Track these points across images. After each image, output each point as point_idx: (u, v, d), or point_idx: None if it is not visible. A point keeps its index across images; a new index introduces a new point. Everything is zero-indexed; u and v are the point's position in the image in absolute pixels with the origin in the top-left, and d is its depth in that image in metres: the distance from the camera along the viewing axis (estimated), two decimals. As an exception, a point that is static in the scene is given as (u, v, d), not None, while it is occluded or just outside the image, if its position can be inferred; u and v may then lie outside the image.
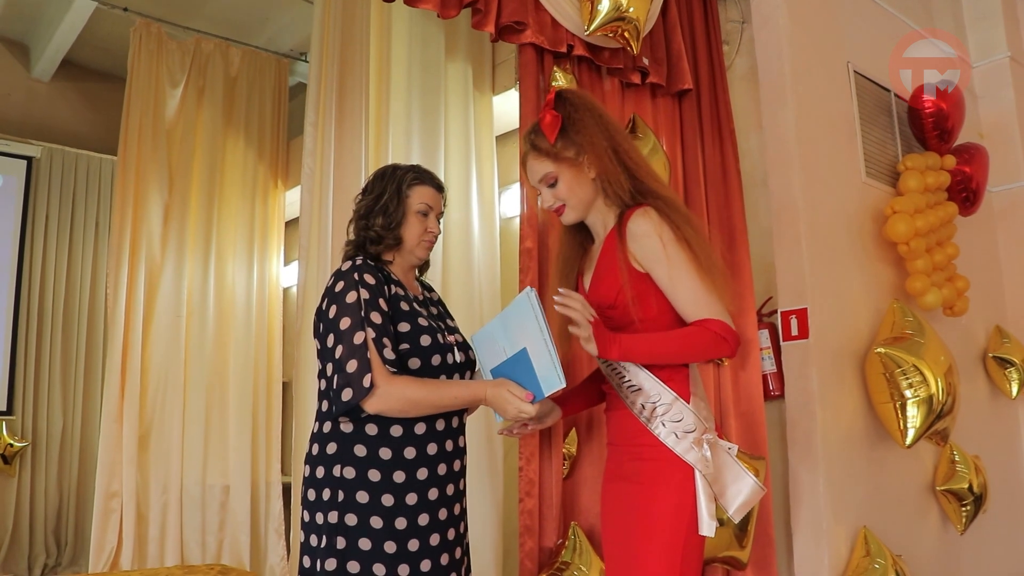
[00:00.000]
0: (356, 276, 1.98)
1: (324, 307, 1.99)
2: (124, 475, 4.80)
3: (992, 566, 4.18)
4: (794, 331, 3.24)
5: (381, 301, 1.97)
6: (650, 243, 1.90)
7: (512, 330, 1.93)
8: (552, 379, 1.84)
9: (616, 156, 2.00)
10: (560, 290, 1.86)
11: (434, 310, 2.22)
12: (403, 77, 3.81)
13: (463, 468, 2.12)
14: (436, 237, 2.17)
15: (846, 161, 3.70)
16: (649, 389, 1.94)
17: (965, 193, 4.15)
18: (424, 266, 2.27)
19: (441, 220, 2.22)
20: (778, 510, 3.24)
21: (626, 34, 2.83)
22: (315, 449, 2.00)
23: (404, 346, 1.98)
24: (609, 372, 2.04)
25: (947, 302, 3.88)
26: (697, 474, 1.88)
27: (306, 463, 2.02)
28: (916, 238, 3.62)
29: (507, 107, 4.12)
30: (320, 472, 1.96)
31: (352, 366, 1.88)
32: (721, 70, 3.48)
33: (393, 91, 3.76)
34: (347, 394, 1.87)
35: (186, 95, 5.53)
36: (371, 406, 1.89)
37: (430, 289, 2.32)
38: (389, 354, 1.92)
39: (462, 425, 2.14)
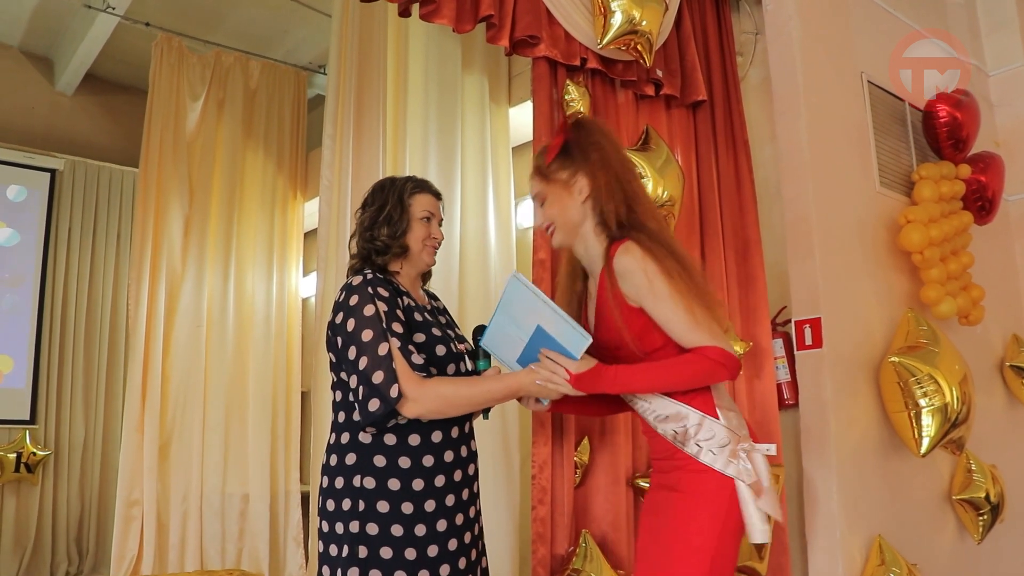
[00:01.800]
0: (371, 290, 2.02)
1: (340, 321, 2.02)
2: (145, 484, 4.86)
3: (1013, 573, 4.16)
4: (808, 340, 3.26)
5: (398, 312, 2.02)
6: (635, 279, 1.93)
7: (518, 316, 1.97)
8: (576, 338, 1.89)
9: (614, 182, 2.03)
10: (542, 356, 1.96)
11: (443, 319, 2.28)
12: (420, 89, 3.87)
13: (476, 472, 2.17)
14: (439, 242, 2.23)
15: (860, 171, 3.72)
16: (675, 414, 1.97)
17: (980, 202, 4.14)
18: (426, 275, 2.32)
19: (441, 226, 2.27)
20: (793, 519, 3.25)
21: (639, 47, 2.87)
22: (333, 460, 2.04)
23: (417, 360, 2.01)
24: (635, 406, 2.07)
25: (962, 311, 3.87)
26: (739, 484, 1.90)
27: (323, 474, 2.06)
28: (930, 247, 3.63)
29: (524, 119, 4.15)
30: (340, 482, 2.00)
31: (378, 377, 1.92)
32: (735, 81, 3.50)
33: (410, 103, 3.81)
34: (374, 405, 1.91)
35: (206, 108, 5.62)
36: (409, 411, 1.93)
37: (435, 298, 2.37)
38: (417, 359, 1.97)
39: (472, 431, 2.19)
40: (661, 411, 1.98)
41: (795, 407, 3.34)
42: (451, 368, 2.08)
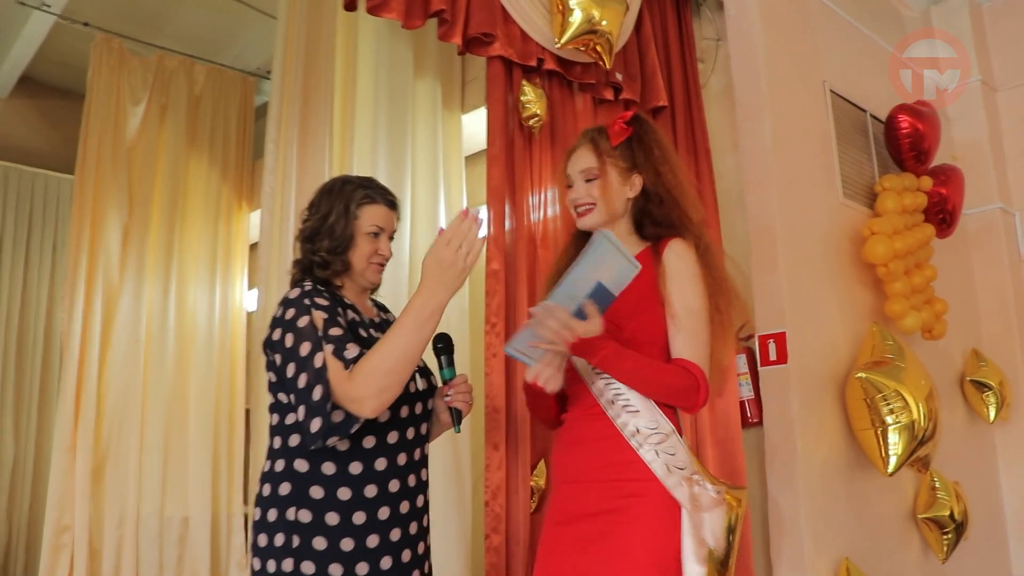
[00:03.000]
0: (307, 301, 1.84)
1: (278, 337, 1.84)
2: (76, 508, 4.58)
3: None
4: (772, 356, 3.13)
5: (339, 319, 1.84)
6: (685, 271, 1.92)
7: (587, 276, 1.79)
8: (627, 268, 1.77)
9: (664, 190, 2.03)
10: (546, 304, 1.77)
11: None
12: (369, 93, 3.70)
13: (426, 504, 1.99)
14: (387, 259, 2.03)
15: (823, 181, 3.62)
16: (646, 413, 1.86)
17: (942, 215, 4.09)
18: (374, 287, 2.13)
19: (392, 240, 2.08)
20: (757, 543, 3.12)
21: (598, 48, 2.73)
22: (266, 490, 1.85)
23: None
24: (602, 387, 1.91)
25: (926, 325, 3.79)
26: (684, 513, 1.79)
27: (256, 505, 1.86)
28: (895, 260, 3.54)
29: (478, 126, 3.99)
30: (272, 515, 1.81)
31: (317, 393, 1.73)
32: (696, 88, 3.39)
33: (359, 108, 3.64)
34: (315, 424, 1.72)
35: (148, 113, 5.38)
36: (361, 411, 1.72)
37: (386, 309, 2.19)
38: (351, 352, 1.76)
39: (424, 458, 2.00)
40: (633, 404, 1.86)
41: (759, 425, 3.21)
42: None
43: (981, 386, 4.44)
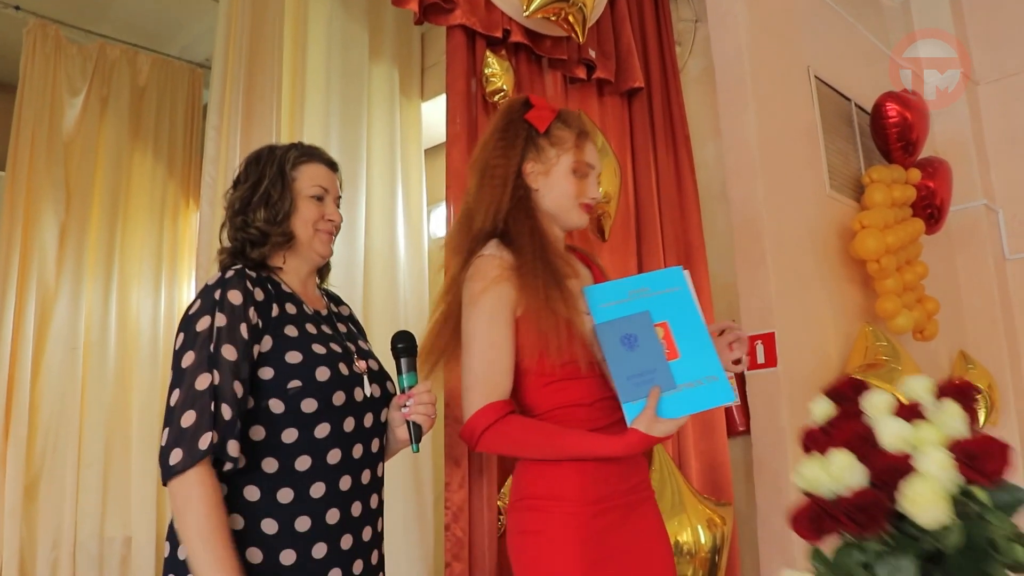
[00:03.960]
0: (218, 294, 1.52)
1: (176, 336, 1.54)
2: (6, 529, 4.23)
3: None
4: (761, 359, 2.87)
5: (244, 328, 1.51)
6: None
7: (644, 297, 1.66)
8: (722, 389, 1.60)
9: None
10: None
11: (343, 328, 1.76)
12: (321, 78, 3.41)
13: (377, 536, 1.66)
14: (337, 225, 1.73)
15: (810, 172, 3.39)
16: None
17: (930, 209, 3.88)
18: (325, 269, 1.83)
19: (340, 206, 1.77)
20: (747, 561, 2.86)
21: (570, 18, 2.46)
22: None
23: (295, 384, 1.53)
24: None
25: (918, 325, 3.58)
26: None
27: (168, 539, 1.53)
28: (886, 255, 3.32)
29: (438, 115, 3.71)
30: (184, 552, 1.47)
31: (189, 419, 1.41)
32: (674, 71, 3.15)
33: (309, 93, 3.35)
34: (176, 456, 1.40)
35: (87, 105, 5.03)
36: (174, 485, 1.41)
37: (339, 301, 1.86)
38: (226, 411, 1.43)
39: (378, 481, 1.68)
40: None
41: (747, 434, 2.95)
42: (339, 397, 1.57)
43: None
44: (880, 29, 4.69)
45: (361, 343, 1.78)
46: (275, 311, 1.58)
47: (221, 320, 1.49)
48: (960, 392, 1.29)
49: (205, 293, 1.53)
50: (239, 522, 1.48)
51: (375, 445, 1.66)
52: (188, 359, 1.46)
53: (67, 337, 4.68)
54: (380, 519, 1.67)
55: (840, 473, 1.24)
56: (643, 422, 1.55)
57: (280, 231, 1.64)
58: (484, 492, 2.19)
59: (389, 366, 1.74)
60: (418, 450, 1.68)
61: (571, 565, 1.59)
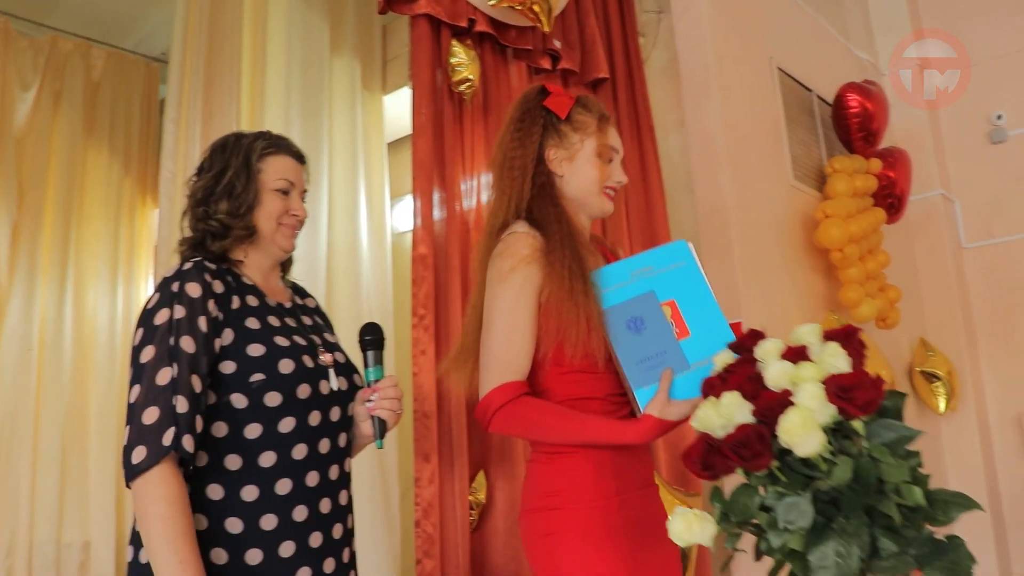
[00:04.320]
0: (176, 287, 1.47)
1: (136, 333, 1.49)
2: (-41, 536, 4.12)
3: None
4: (728, 349, 2.88)
5: (202, 321, 1.46)
6: None
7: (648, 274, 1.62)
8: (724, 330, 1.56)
9: None
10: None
11: (308, 320, 1.71)
12: (281, 70, 3.34)
13: (348, 533, 1.62)
14: (301, 220, 1.68)
15: (774, 162, 3.40)
16: None
17: (891, 199, 3.92)
18: (287, 263, 1.78)
19: (305, 200, 1.72)
20: (718, 556, 2.87)
21: (535, 8, 2.44)
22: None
23: (258, 377, 1.48)
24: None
25: (880, 313, 3.62)
26: None
27: (131, 543, 1.48)
28: (849, 244, 3.35)
29: (400, 109, 3.67)
30: (145, 555, 1.42)
31: (151, 415, 1.37)
32: (638, 62, 3.13)
33: (269, 85, 3.28)
34: (139, 454, 1.36)
35: (40, 100, 4.90)
36: (137, 484, 1.37)
37: (304, 294, 1.81)
38: (182, 405, 1.39)
39: (345, 477, 1.63)
40: None
41: (714, 425, 2.95)
42: (304, 390, 1.52)
43: (931, 377, 4.29)
44: (840, 21, 4.73)
45: (327, 335, 1.73)
46: (236, 303, 1.54)
47: (179, 312, 1.44)
48: (844, 335, 1.33)
49: (163, 286, 1.49)
50: (203, 522, 1.43)
51: (343, 440, 1.62)
52: (148, 354, 1.42)
53: (20, 338, 4.56)
54: (350, 515, 1.64)
55: (728, 412, 1.28)
56: (656, 406, 1.51)
57: (242, 224, 1.60)
58: (455, 487, 2.16)
59: (357, 359, 1.71)
60: (382, 446, 1.63)
61: (607, 560, 1.55)
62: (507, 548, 2.24)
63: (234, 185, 1.59)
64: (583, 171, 1.77)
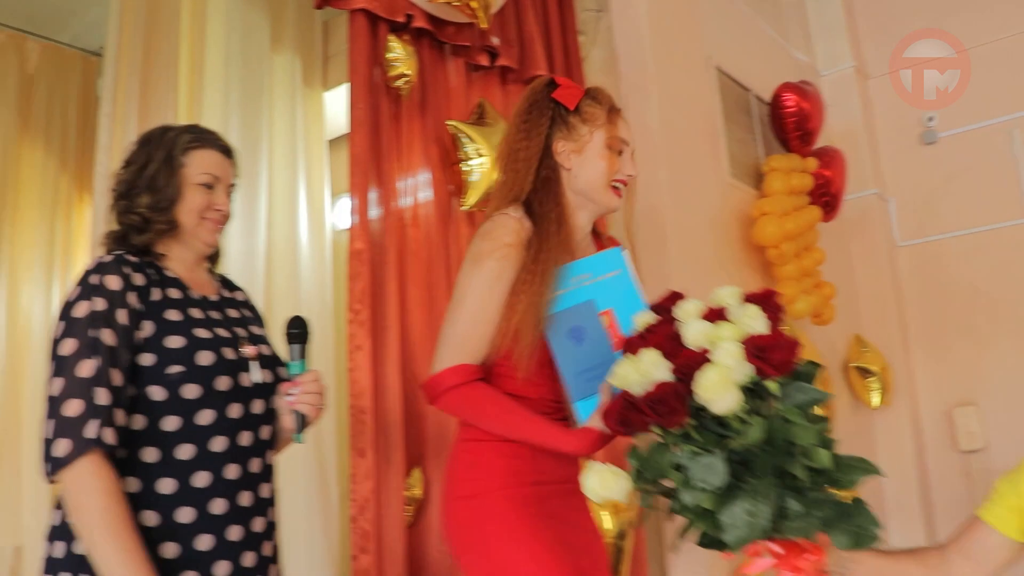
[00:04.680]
0: (95, 280, 1.46)
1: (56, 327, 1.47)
2: None
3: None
4: (664, 344, 2.92)
5: (122, 314, 1.45)
6: None
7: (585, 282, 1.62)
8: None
9: None
10: None
11: (235, 313, 1.70)
12: (220, 66, 3.30)
13: (270, 526, 1.61)
14: (226, 216, 1.67)
15: (711, 159, 3.46)
16: None
17: (826, 197, 4.00)
18: (215, 255, 1.76)
19: (231, 193, 1.71)
20: (653, 545, 2.91)
21: (473, 4, 2.45)
22: (57, 518, 1.46)
23: (176, 369, 1.47)
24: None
25: (815, 310, 3.69)
26: None
27: (51, 538, 1.46)
28: (785, 241, 3.42)
29: (340, 107, 3.65)
30: (60, 550, 1.41)
31: (73, 407, 1.36)
32: (577, 60, 3.16)
33: (207, 81, 3.24)
34: (61, 448, 1.34)
35: (-30, 94, 4.80)
36: (66, 477, 1.36)
37: (233, 287, 1.80)
38: (102, 397, 1.39)
39: (267, 470, 1.62)
40: None
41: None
42: (223, 382, 1.52)
43: (864, 372, 4.39)
44: (779, 22, 4.81)
45: (255, 328, 1.72)
46: (156, 296, 1.53)
47: (99, 305, 1.43)
48: (763, 298, 1.37)
49: (83, 279, 1.48)
50: None
51: (265, 432, 1.62)
52: (68, 346, 1.40)
53: (-48, 336, 4.46)
54: (272, 509, 1.62)
55: (647, 369, 1.32)
56: (598, 419, 1.50)
57: (164, 219, 1.59)
58: (391, 483, 2.16)
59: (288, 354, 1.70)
60: (302, 440, 1.63)
61: (527, 547, 1.54)
62: (444, 544, 2.24)
63: (156, 179, 1.58)
64: (592, 163, 1.74)
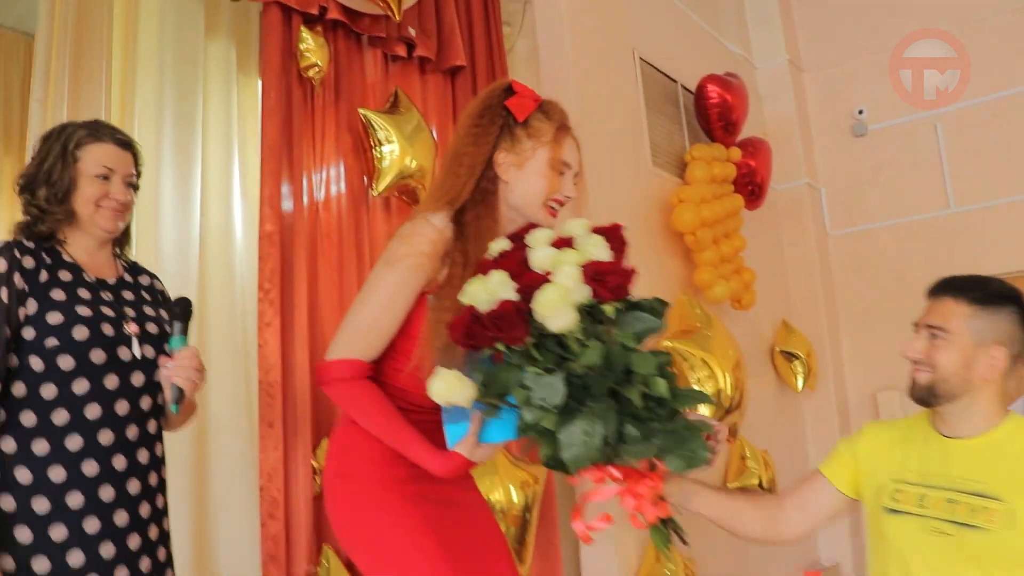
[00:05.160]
0: None
1: None
2: None
3: (783, 560, 4.18)
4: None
5: (4, 292, 1.58)
6: None
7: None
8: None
9: None
10: None
11: (129, 295, 1.81)
12: (154, 54, 3.35)
13: (147, 489, 1.72)
14: (124, 203, 1.78)
15: (632, 149, 3.58)
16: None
17: (751, 187, 4.14)
18: (124, 240, 1.89)
19: (133, 183, 1.82)
20: (564, 517, 3.03)
21: (385, -4, 2.54)
22: None
23: (52, 342, 1.61)
24: None
25: (734, 295, 3.83)
26: None
27: None
28: (702, 228, 3.54)
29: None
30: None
31: None
32: (500, 49, 3.26)
33: (141, 68, 3.30)
34: None
35: (-91, 78, 4.81)
36: None
37: (139, 271, 1.91)
38: None
39: (148, 436, 1.74)
40: None
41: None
42: (98, 355, 1.65)
43: (790, 356, 4.54)
44: (714, 15, 4.93)
45: (148, 309, 1.83)
46: (44, 277, 1.65)
47: None
48: (609, 231, 1.49)
49: None
50: None
51: (146, 402, 1.73)
52: None
53: None
54: (153, 473, 1.74)
55: (494, 288, 1.41)
56: (466, 447, 1.54)
57: (61, 209, 1.71)
58: (299, 452, 2.26)
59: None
60: (177, 411, 1.74)
61: (402, 523, 1.60)
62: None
63: (51, 172, 1.70)
64: (530, 180, 1.69)
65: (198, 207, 3.34)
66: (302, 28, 2.48)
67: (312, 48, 2.46)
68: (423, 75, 2.92)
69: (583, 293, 1.35)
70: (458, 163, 1.71)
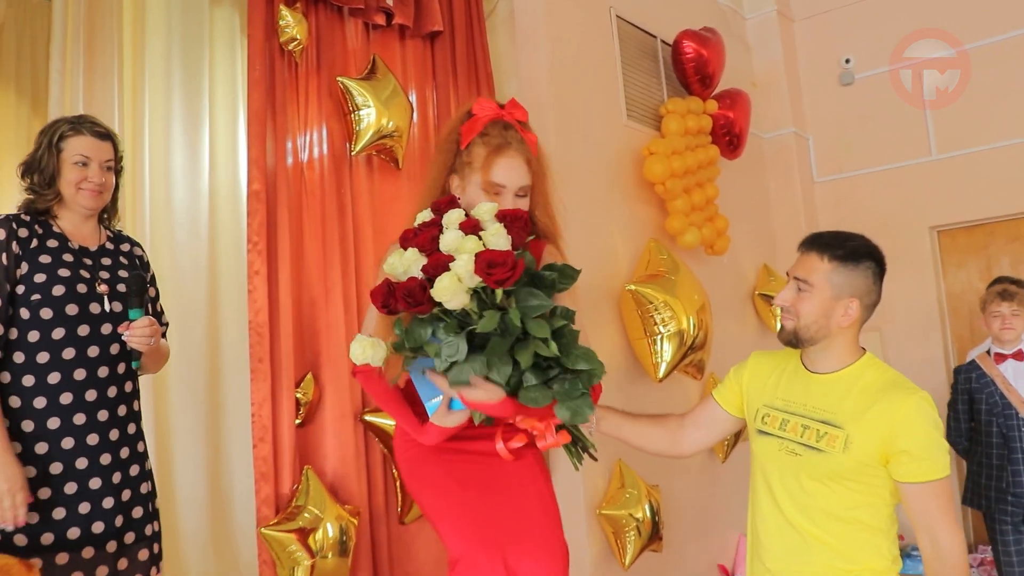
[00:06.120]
0: None
1: None
2: None
3: (743, 488, 4.46)
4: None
5: (3, 256, 1.98)
6: None
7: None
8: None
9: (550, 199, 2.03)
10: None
11: (107, 261, 2.19)
12: (162, 18, 3.63)
13: (117, 419, 2.11)
14: (101, 185, 2.16)
15: (607, 104, 3.80)
16: None
17: (728, 137, 4.34)
18: (111, 213, 2.27)
19: (112, 167, 2.20)
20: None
21: (361, -31, 2.78)
22: None
23: (36, 296, 2.00)
24: None
25: (707, 241, 4.06)
26: None
27: None
28: (672, 178, 3.77)
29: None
30: None
31: None
32: (479, 13, 3.48)
33: (149, 33, 3.57)
34: None
35: (-62, 43, 5.10)
36: None
37: (122, 240, 2.30)
38: None
39: (117, 376, 2.12)
40: None
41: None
42: (72, 308, 2.04)
43: (769, 299, 4.77)
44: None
45: (122, 272, 2.19)
46: (34, 244, 2.05)
47: None
48: (512, 218, 1.68)
49: None
50: None
51: (114, 349, 2.11)
52: None
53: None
54: (123, 405, 2.13)
55: (406, 263, 1.66)
56: (438, 417, 1.78)
57: (50, 191, 2.12)
58: (284, 384, 2.58)
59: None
60: (137, 367, 2.15)
61: (435, 472, 1.89)
62: (333, 438, 2.68)
63: (41, 161, 2.12)
64: (472, 201, 1.82)
65: (207, 168, 3.62)
66: (281, 6, 2.72)
67: (291, 24, 2.71)
68: (402, 41, 3.16)
69: (474, 282, 1.58)
70: (428, 182, 1.99)
